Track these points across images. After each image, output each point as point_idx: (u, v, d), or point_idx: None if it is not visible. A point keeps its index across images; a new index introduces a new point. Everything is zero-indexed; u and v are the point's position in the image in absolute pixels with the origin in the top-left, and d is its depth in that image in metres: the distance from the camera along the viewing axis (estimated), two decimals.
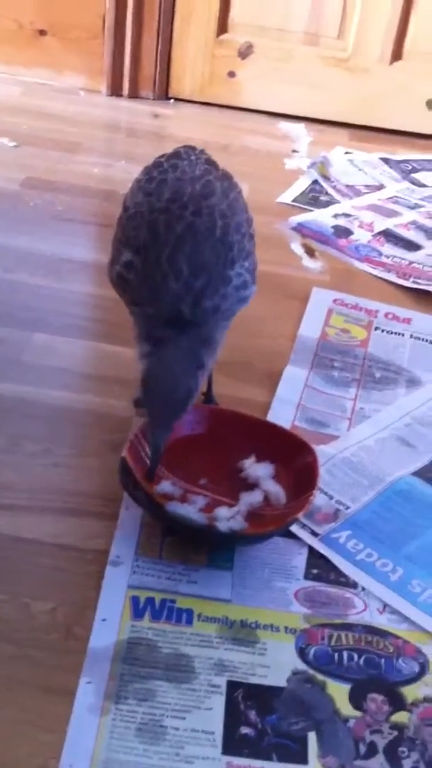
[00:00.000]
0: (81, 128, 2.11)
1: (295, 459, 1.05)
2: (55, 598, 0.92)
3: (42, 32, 2.28)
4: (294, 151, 2.15)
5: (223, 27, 2.27)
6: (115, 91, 2.32)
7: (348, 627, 0.94)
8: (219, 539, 0.99)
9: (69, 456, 1.12)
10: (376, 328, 1.46)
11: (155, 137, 2.16)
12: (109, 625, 0.90)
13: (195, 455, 1.06)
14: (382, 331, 1.46)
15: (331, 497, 1.10)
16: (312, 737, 0.83)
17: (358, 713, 0.86)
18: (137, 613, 0.92)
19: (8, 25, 2.27)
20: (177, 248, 0.96)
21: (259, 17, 2.24)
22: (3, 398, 1.19)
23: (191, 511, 0.97)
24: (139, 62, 2.30)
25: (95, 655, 0.86)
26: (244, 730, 0.82)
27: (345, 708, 0.86)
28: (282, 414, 1.23)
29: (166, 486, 1.01)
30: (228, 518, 0.97)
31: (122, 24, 2.24)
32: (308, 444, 1.07)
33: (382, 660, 0.91)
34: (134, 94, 2.33)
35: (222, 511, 0.98)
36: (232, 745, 0.81)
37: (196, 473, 1.04)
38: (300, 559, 1.02)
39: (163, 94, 2.34)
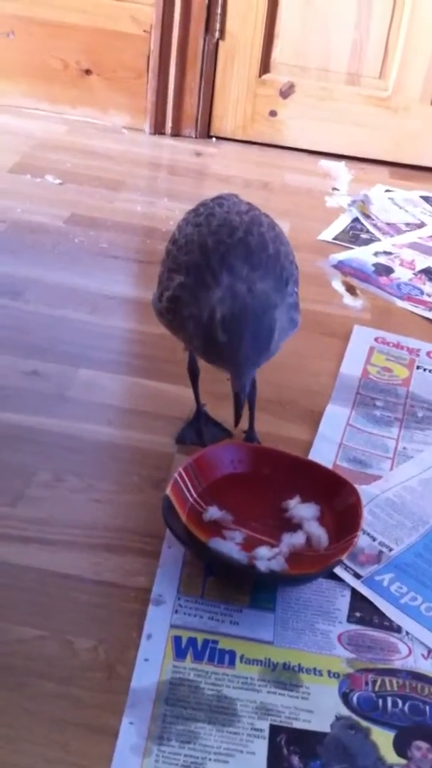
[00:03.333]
0: (124, 166, 2.14)
1: (337, 499, 1.05)
2: (97, 636, 0.92)
3: (87, 72, 2.32)
4: (334, 189, 2.16)
5: (265, 67, 2.30)
6: (158, 129, 2.35)
7: (392, 672, 0.93)
8: (260, 580, 0.98)
9: (111, 492, 1.13)
10: (418, 367, 1.46)
11: (197, 175, 2.18)
12: (152, 665, 0.89)
13: (237, 494, 1.06)
14: (425, 370, 1.45)
15: (374, 539, 1.09)
16: None
17: (402, 761, 0.84)
18: (179, 653, 0.91)
19: (55, 64, 2.32)
20: (229, 253, 0.97)
21: (301, 57, 2.27)
22: (47, 433, 1.20)
23: (233, 549, 0.97)
24: (182, 101, 2.33)
25: (137, 695, 0.86)
26: None
27: (389, 755, 0.85)
28: (324, 453, 1.22)
29: (214, 512, 1.01)
30: (268, 558, 0.96)
31: (166, 63, 2.28)
32: (351, 484, 1.06)
33: (427, 707, 0.90)
34: (177, 133, 2.36)
35: (263, 551, 0.97)
36: None
37: (238, 512, 1.04)
38: (343, 602, 1.01)
39: (205, 132, 2.37)
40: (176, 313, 1.03)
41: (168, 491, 1.01)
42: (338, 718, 0.88)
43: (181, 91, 2.32)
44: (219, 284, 0.96)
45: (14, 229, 1.74)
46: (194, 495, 1.04)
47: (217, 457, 1.09)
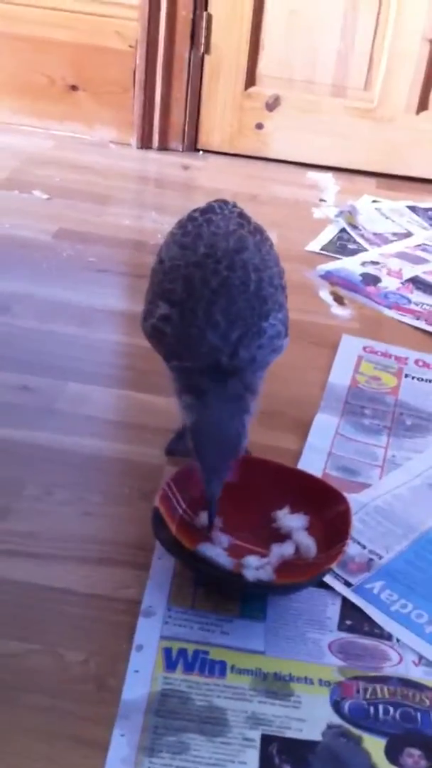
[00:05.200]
0: (112, 180, 2.15)
1: (327, 508, 1.05)
2: (88, 649, 0.92)
3: (74, 87, 2.34)
4: (321, 200, 2.17)
5: (251, 80, 2.32)
6: (145, 143, 2.36)
7: (383, 680, 0.93)
8: (248, 589, 0.98)
9: (101, 504, 1.13)
10: (407, 375, 1.46)
11: (185, 188, 2.19)
12: (142, 676, 0.89)
13: (226, 504, 1.06)
14: (413, 378, 1.46)
15: (364, 547, 1.10)
16: None
17: None
18: (170, 664, 0.91)
19: (41, 80, 2.33)
20: (212, 302, 0.97)
21: (287, 69, 2.29)
22: (36, 447, 1.20)
23: (221, 554, 0.97)
24: (169, 115, 2.35)
25: (128, 707, 0.86)
26: None
27: (381, 763, 0.84)
28: (313, 462, 1.23)
29: (206, 517, 1.01)
30: (257, 567, 0.97)
31: (152, 78, 2.29)
32: (341, 493, 1.06)
33: (419, 714, 0.90)
34: (164, 147, 2.37)
35: (251, 560, 0.98)
36: None
37: (227, 522, 1.04)
38: (333, 610, 1.01)
39: (192, 146, 2.38)
40: (159, 342, 1.03)
41: (156, 502, 1.01)
42: (330, 727, 0.87)
43: (168, 105, 2.33)
44: (206, 343, 0.97)
45: (1, 244, 1.74)
46: (183, 506, 1.04)
47: None
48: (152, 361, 1.08)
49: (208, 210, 1.10)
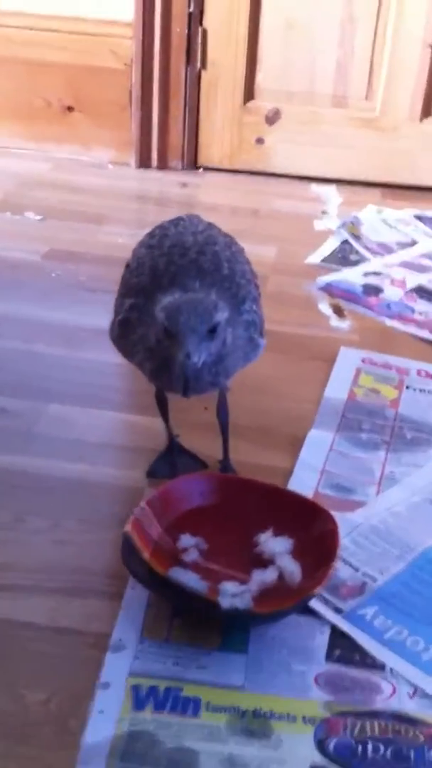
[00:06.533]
0: (108, 200, 2.10)
1: (313, 528, 0.98)
2: (50, 688, 0.85)
3: (70, 108, 2.30)
4: (323, 212, 2.10)
5: (249, 94, 2.27)
6: (144, 162, 2.32)
7: (374, 715, 0.85)
8: (227, 619, 0.90)
9: (77, 531, 1.06)
10: (408, 387, 1.39)
11: (184, 206, 2.13)
12: (107, 717, 0.82)
13: (206, 527, 0.99)
14: (414, 389, 1.38)
15: (356, 569, 1.02)
16: None
17: None
18: (138, 704, 0.84)
19: (37, 103, 2.30)
20: (179, 272, 0.92)
21: (285, 82, 2.23)
22: (9, 473, 1.14)
23: (192, 578, 0.89)
24: (167, 133, 2.30)
25: (90, 751, 0.79)
26: None
27: None
28: (305, 481, 1.15)
29: (187, 540, 0.95)
30: (233, 595, 0.88)
31: (149, 96, 2.25)
32: (327, 511, 0.99)
33: (412, 751, 0.81)
34: (163, 165, 2.32)
35: (228, 587, 0.89)
36: None
37: (206, 546, 0.97)
38: (321, 640, 0.93)
39: (192, 163, 2.33)
40: (127, 339, 0.97)
41: (128, 527, 0.94)
42: (314, 766, 0.80)
43: (166, 123, 2.29)
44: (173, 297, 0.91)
45: None
46: (159, 530, 0.97)
47: (185, 489, 1.03)
48: (136, 380, 1.03)
49: (176, 219, 1.07)
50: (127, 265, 1.03)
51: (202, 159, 2.34)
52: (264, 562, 0.96)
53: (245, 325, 0.95)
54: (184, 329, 0.87)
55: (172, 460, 1.16)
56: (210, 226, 1.05)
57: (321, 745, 0.82)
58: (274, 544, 0.97)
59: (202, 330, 0.87)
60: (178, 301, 0.90)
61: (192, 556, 0.95)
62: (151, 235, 1.04)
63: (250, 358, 0.99)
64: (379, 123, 2.25)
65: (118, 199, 2.13)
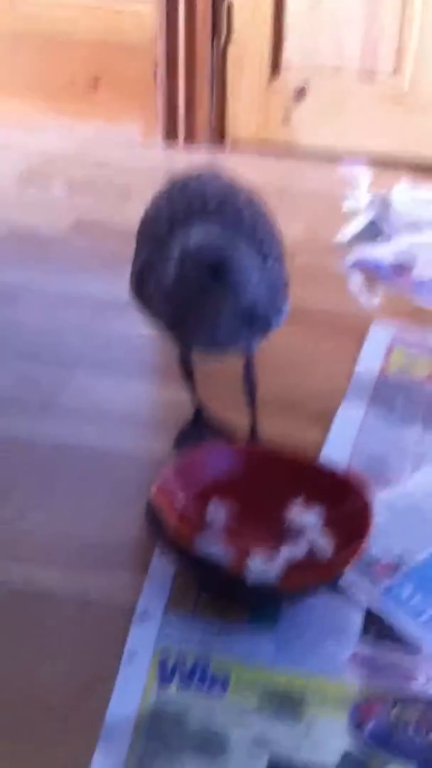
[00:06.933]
0: (134, 176, 2.06)
1: (345, 502, 0.93)
2: (73, 660, 0.81)
3: (95, 83, 2.27)
4: (352, 190, 2.06)
5: (275, 69, 2.22)
6: (170, 138, 2.28)
7: (410, 699, 0.81)
8: (254, 594, 0.86)
9: (101, 502, 1.03)
10: None
11: None
12: (132, 691, 0.78)
13: (233, 499, 0.95)
14: None
15: (391, 548, 0.98)
16: None
17: None
18: (164, 677, 0.80)
19: (62, 78, 2.26)
20: (198, 222, 0.89)
21: (312, 57, 2.18)
22: (33, 443, 1.11)
23: (219, 550, 0.85)
24: (194, 108, 2.25)
25: (113, 728, 0.75)
26: None
27: None
28: (336, 456, 1.11)
29: (213, 510, 0.92)
30: (261, 570, 0.84)
31: (174, 71, 2.20)
32: (361, 486, 0.95)
33: None
34: (190, 140, 2.28)
35: (256, 562, 0.85)
36: None
37: (235, 520, 0.93)
38: (355, 619, 0.89)
39: (220, 139, 2.29)
40: (143, 290, 0.94)
41: (153, 495, 0.90)
42: (347, 753, 0.76)
43: (192, 98, 2.24)
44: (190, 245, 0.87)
45: (15, 238, 1.67)
46: (184, 500, 0.93)
47: (212, 459, 0.99)
48: (163, 352, 1.00)
49: (197, 172, 1.06)
50: (144, 217, 1.00)
51: (230, 134, 2.29)
52: (293, 536, 0.91)
53: (268, 279, 0.91)
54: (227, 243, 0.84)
55: (199, 430, 1.12)
56: (232, 180, 1.02)
57: (356, 730, 0.77)
58: (304, 517, 0.93)
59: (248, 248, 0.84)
60: (195, 247, 0.85)
61: (218, 526, 0.91)
62: (171, 185, 1.01)
63: (271, 318, 0.94)
64: (408, 99, 2.20)
65: (144, 175, 2.08)
